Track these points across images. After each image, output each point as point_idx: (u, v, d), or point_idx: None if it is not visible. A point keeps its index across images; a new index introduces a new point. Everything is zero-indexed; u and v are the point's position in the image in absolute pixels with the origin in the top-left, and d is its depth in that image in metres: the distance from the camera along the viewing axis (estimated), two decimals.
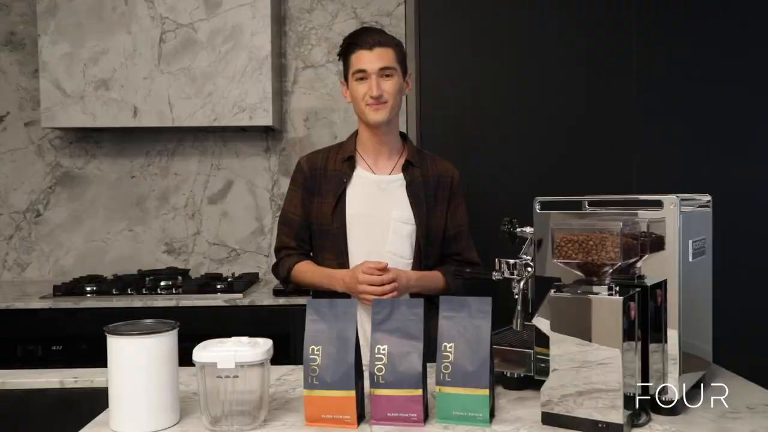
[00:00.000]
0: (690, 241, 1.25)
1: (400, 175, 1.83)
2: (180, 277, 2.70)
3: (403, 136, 1.90)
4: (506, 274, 1.41)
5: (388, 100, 1.76)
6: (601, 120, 2.44)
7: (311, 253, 1.88)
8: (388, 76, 1.76)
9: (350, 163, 1.82)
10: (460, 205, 1.89)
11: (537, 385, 1.23)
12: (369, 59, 1.74)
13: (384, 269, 1.69)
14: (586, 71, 2.44)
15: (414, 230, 1.80)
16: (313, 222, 1.83)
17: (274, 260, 1.94)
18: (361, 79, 1.76)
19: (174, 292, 2.57)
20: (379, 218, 1.78)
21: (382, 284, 1.67)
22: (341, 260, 1.79)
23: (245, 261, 3.03)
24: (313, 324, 1.20)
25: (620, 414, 1.09)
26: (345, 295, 1.74)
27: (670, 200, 1.22)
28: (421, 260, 1.81)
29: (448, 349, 1.17)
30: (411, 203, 1.80)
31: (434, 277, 1.82)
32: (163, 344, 1.16)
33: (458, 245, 1.87)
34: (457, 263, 1.84)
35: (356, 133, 1.88)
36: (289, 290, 1.91)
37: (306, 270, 1.82)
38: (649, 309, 1.18)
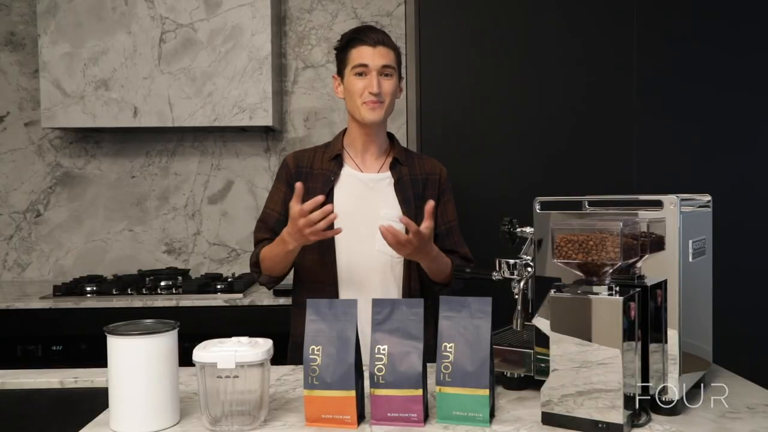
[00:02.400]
0: (690, 241, 1.25)
1: (388, 174, 1.81)
2: (180, 277, 2.70)
3: (390, 136, 1.88)
4: (506, 274, 1.41)
5: (385, 100, 1.75)
6: (601, 120, 2.44)
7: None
8: (387, 75, 1.75)
9: (337, 162, 1.80)
10: (450, 202, 1.88)
11: (537, 385, 1.24)
12: (372, 56, 1.73)
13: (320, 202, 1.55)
14: (586, 71, 2.44)
15: (403, 228, 1.78)
16: None
17: None
18: (361, 74, 1.74)
19: (174, 292, 2.57)
20: (368, 216, 1.75)
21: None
22: (328, 259, 1.76)
23: (245, 261, 3.03)
24: (313, 324, 1.20)
25: (620, 414, 1.09)
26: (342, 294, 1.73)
27: (670, 200, 1.22)
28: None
29: (448, 349, 1.17)
30: (399, 201, 1.78)
31: (446, 260, 1.77)
32: (163, 344, 1.16)
33: (451, 241, 1.86)
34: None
35: (344, 131, 1.87)
36: (263, 281, 1.85)
37: (267, 247, 1.76)
38: (649, 309, 1.18)
